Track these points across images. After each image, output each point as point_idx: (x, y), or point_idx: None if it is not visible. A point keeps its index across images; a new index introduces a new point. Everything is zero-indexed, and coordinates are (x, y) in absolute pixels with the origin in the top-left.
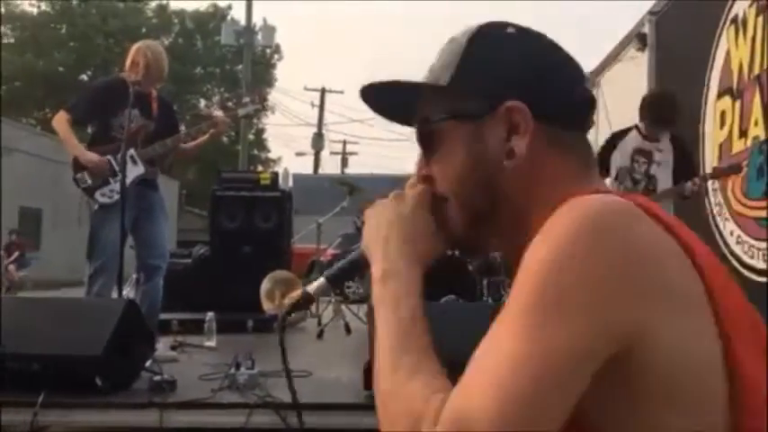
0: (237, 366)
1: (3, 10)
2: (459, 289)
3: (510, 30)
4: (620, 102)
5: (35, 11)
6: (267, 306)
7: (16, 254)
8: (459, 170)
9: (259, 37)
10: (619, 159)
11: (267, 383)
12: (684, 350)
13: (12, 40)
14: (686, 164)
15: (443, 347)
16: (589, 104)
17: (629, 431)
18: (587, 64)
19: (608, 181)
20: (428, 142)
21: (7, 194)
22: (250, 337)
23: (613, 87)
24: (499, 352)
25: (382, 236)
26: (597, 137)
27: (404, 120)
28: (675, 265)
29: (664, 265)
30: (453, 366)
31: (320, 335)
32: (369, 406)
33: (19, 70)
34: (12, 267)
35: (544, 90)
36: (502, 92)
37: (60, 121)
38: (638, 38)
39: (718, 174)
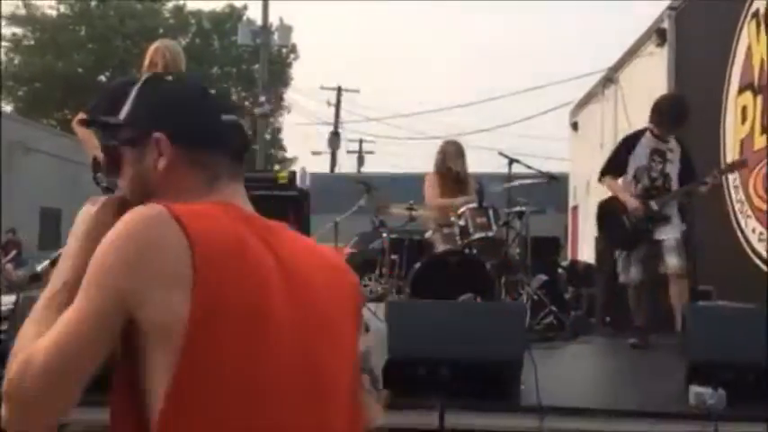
0: None
1: (24, 12)
2: (477, 288)
3: (168, 78)
4: (638, 97)
5: (54, 13)
6: None
7: (13, 252)
8: (130, 183)
9: (275, 37)
10: (637, 160)
11: None
12: (169, 311)
13: (32, 42)
14: (690, 164)
15: (462, 344)
16: (225, 132)
17: (149, 367)
18: (606, 60)
19: (620, 180)
20: (114, 161)
21: (28, 195)
22: None
23: (632, 83)
24: (63, 316)
25: (75, 227)
26: (616, 131)
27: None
28: (173, 256)
29: (162, 255)
30: (472, 364)
31: None
32: (389, 404)
33: (39, 72)
34: (9, 266)
35: (183, 124)
36: (154, 125)
37: (80, 123)
38: (657, 33)
39: (733, 167)
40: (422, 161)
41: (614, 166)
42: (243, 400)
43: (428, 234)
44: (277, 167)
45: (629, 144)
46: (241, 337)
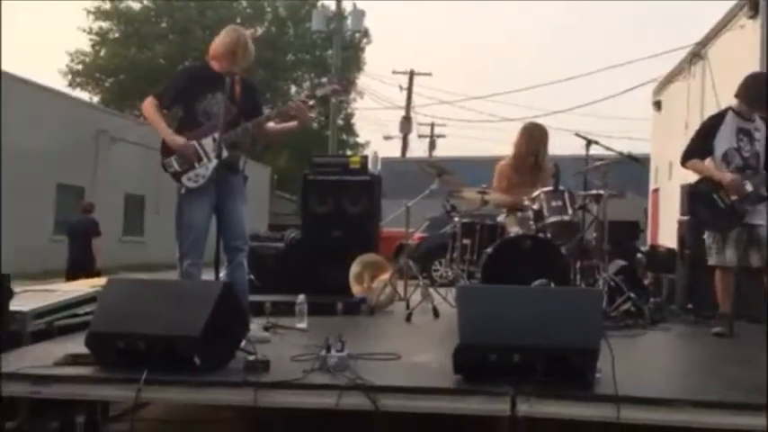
0: (328, 348)
1: (108, 6)
2: (551, 273)
3: None
4: (728, 74)
5: (138, 6)
6: (356, 289)
7: None
8: None
9: (348, 22)
10: (726, 140)
11: (357, 366)
12: None
13: (117, 35)
14: None
15: (535, 331)
16: None
17: None
18: (694, 35)
19: (708, 161)
20: None
21: (114, 182)
22: (339, 320)
23: (721, 59)
24: None
25: None
26: (703, 110)
27: None
28: None
29: None
30: (545, 351)
31: (408, 318)
32: (459, 390)
33: (124, 64)
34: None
35: None
36: None
37: (148, 106)
38: (749, 4)
39: None
40: (494, 144)
41: (698, 148)
42: None
43: (501, 218)
44: (349, 153)
45: (711, 125)
46: None
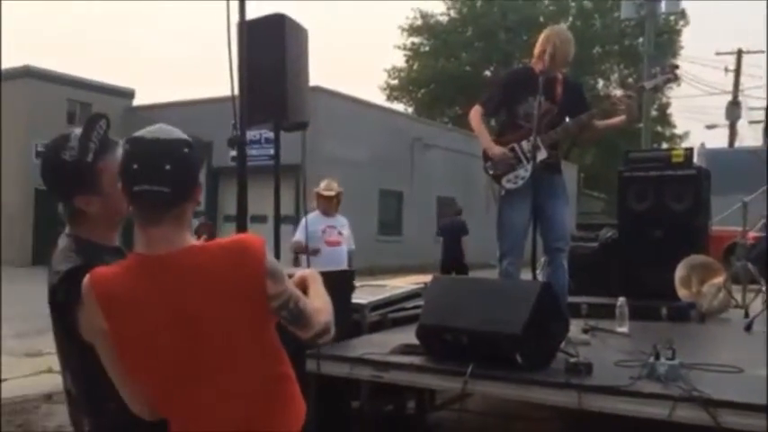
0: (657, 355)
1: (420, 22)
2: None
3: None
4: None
5: (445, 19)
6: (683, 293)
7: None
8: None
9: (663, 4)
10: None
11: (690, 376)
12: None
13: (427, 49)
14: None
15: None
16: (136, 197)
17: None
18: None
19: None
20: None
21: (427, 185)
22: (665, 325)
23: None
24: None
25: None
26: None
27: None
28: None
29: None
30: None
31: (749, 327)
32: None
33: (434, 74)
34: None
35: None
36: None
37: (474, 116)
38: None
39: None
40: None
41: None
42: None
43: None
44: (665, 146)
45: None
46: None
